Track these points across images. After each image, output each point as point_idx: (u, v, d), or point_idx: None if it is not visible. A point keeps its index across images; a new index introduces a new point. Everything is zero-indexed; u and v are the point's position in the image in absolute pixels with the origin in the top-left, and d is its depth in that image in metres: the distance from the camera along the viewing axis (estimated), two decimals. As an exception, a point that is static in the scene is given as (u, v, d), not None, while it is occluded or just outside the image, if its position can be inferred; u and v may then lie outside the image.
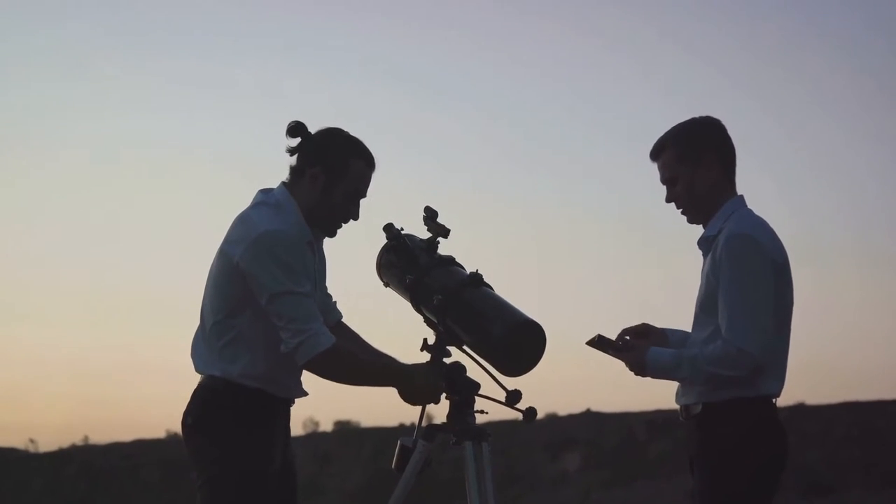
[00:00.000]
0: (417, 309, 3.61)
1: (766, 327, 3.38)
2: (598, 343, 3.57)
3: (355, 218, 3.64)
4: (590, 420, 15.38)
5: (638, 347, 3.54)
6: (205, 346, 3.56)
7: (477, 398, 3.54)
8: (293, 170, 3.61)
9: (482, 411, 3.53)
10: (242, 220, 3.53)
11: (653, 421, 14.94)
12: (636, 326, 3.68)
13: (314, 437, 15.94)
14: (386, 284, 3.74)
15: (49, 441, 16.79)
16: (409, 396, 3.53)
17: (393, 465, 3.58)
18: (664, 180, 3.63)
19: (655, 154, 3.64)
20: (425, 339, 3.58)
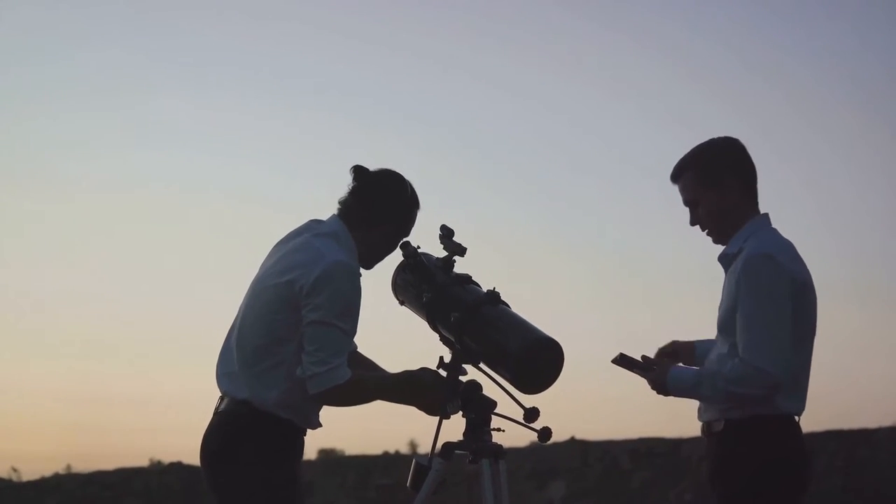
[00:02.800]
0: (434, 327, 3.62)
1: (783, 346, 3.39)
2: (621, 361, 3.57)
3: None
4: (574, 448, 15.29)
5: (660, 366, 3.55)
6: (239, 367, 3.51)
7: (493, 416, 3.54)
8: (355, 211, 3.62)
9: (499, 429, 3.54)
10: (305, 248, 3.51)
11: (636, 450, 14.87)
12: (665, 347, 3.69)
13: (298, 466, 15.85)
14: (401, 302, 3.74)
15: (32, 470, 16.60)
16: (420, 398, 3.55)
17: (408, 484, 3.57)
18: (686, 203, 3.64)
19: (675, 177, 3.65)
20: (441, 357, 3.59)
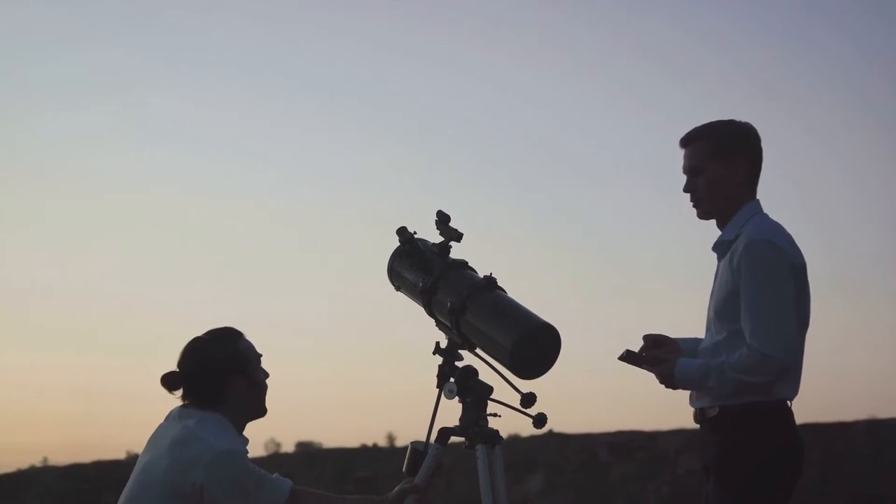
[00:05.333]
0: (430, 312, 3.61)
1: (790, 331, 3.40)
2: (628, 358, 3.58)
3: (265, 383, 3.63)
4: (552, 441, 15.30)
5: (667, 360, 3.54)
6: None
7: (490, 401, 3.53)
8: (207, 399, 3.50)
9: (495, 415, 3.54)
10: (191, 440, 3.39)
11: (614, 443, 14.88)
12: (655, 336, 3.68)
13: (276, 458, 15.81)
14: (397, 288, 3.72)
15: (8, 462, 16.55)
16: None
17: (404, 469, 3.56)
18: (688, 169, 3.64)
19: (686, 142, 3.65)
20: (437, 343, 3.58)
